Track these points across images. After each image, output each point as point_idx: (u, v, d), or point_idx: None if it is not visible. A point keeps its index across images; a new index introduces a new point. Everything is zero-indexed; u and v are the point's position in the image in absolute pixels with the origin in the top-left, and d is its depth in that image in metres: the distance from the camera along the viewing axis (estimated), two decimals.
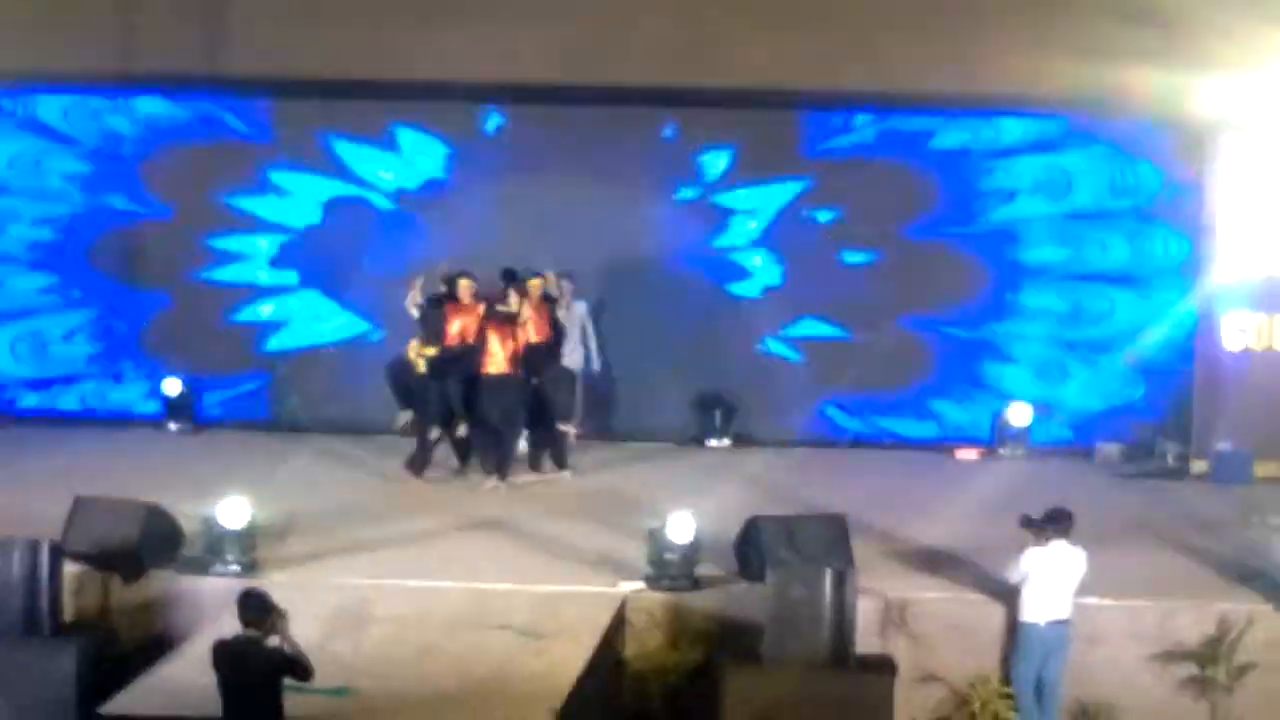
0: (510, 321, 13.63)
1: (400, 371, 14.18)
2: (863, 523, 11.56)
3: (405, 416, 14.22)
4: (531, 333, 13.77)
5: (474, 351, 13.58)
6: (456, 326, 13.72)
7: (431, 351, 13.71)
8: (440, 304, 13.82)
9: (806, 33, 14.65)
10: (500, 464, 13.65)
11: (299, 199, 16.22)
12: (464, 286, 13.75)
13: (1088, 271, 15.87)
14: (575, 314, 14.94)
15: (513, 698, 9.11)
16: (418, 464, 13.99)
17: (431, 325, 13.78)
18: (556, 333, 14.13)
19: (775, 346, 16.13)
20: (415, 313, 13.80)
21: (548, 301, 14.05)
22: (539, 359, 13.86)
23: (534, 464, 14.20)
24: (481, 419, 13.62)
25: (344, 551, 11.36)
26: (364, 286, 16.08)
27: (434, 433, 13.88)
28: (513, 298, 13.63)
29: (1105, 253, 15.82)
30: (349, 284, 16.23)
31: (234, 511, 10.83)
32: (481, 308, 13.67)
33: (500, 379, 13.55)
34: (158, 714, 8.90)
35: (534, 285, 13.85)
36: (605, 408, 15.87)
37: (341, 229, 16.21)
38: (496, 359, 13.51)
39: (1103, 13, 14.03)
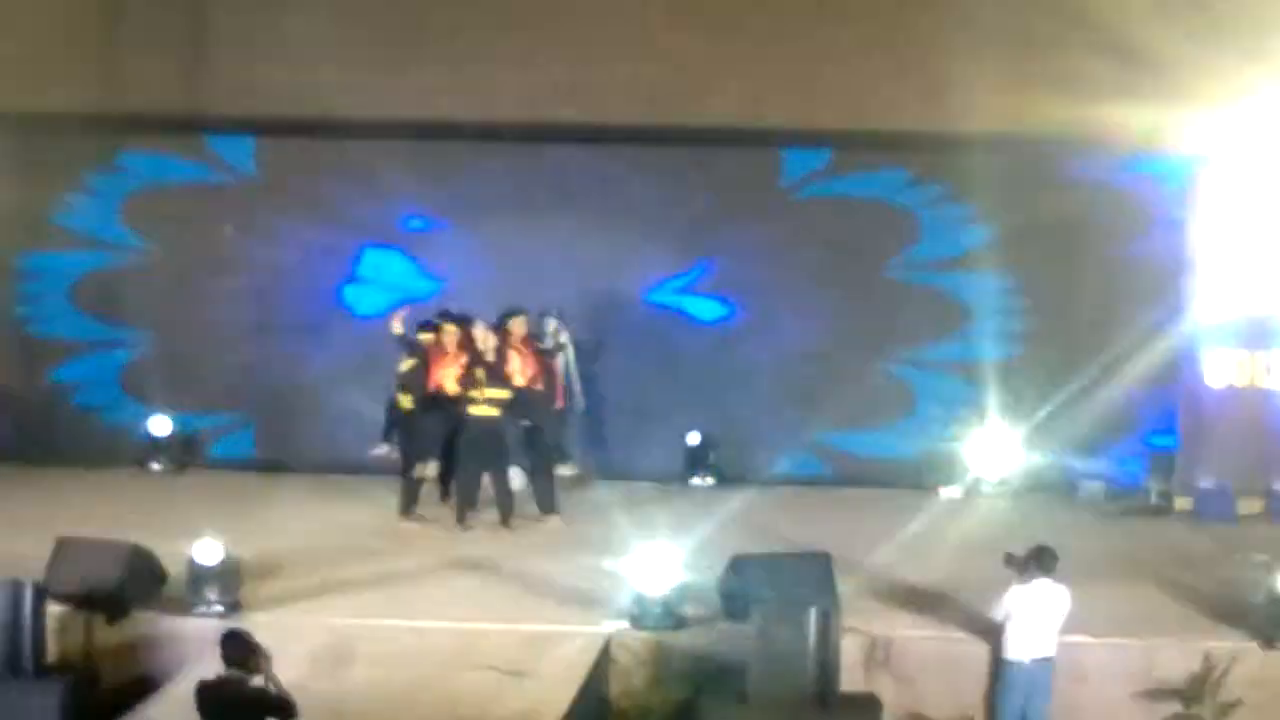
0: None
1: (424, 415, 13.74)
2: (847, 561, 11.54)
3: (431, 468, 13.91)
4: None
5: (539, 392, 13.71)
6: (520, 367, 13.56)
7: (505, 394, 13.31)
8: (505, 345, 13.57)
9: (778, 70, 14.76)
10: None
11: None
12: (518, 324, 13.72)
13: None
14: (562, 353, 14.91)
15: None
16: (461, 513, 13.54)
17: (497, 366, 13.37)
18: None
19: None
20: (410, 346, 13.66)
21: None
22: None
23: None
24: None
25: (328, 591, 11.32)
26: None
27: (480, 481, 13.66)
28: (485, 335, 13.49)
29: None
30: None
31: (209, 552, 10.78)
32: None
33: None
34: None
35: (516, 324, 13.76)
36: (591, 447, 15.86)
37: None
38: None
39: (1083, 49, 14.13)
